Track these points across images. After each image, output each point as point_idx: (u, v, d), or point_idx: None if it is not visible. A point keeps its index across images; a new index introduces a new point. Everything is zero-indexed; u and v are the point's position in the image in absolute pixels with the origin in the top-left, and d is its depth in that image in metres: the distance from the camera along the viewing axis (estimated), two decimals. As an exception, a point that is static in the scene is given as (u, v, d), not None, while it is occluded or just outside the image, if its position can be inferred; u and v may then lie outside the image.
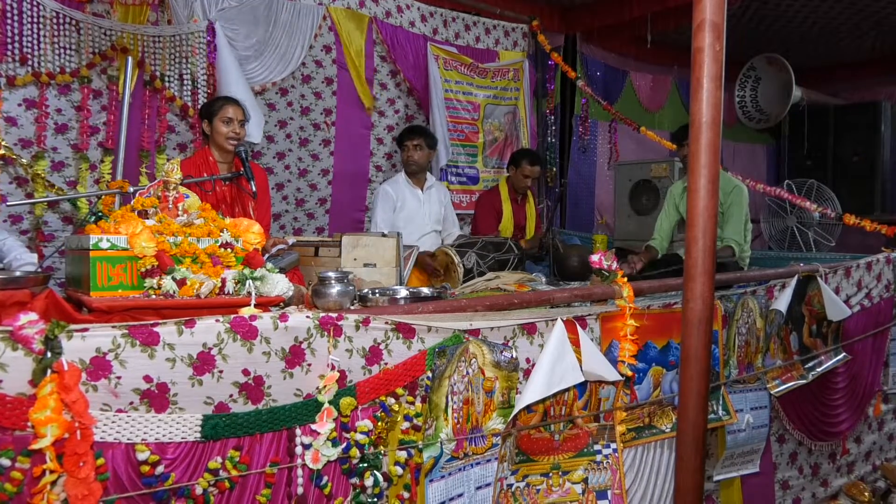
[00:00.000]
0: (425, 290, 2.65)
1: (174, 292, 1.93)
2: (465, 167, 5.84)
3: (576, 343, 2.23)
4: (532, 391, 2.07)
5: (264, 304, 1.99)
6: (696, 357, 1.66)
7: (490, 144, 6.02)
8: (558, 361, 2.14)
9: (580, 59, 6.69)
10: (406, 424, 1.92)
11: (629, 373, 2.39)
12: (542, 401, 2.19)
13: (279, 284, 2.06)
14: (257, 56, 4.67)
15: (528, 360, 2.21)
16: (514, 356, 2.14)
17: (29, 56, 3.83)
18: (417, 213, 4.43)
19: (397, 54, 5.36)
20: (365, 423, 1.84)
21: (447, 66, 5.63)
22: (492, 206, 4.95)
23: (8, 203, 2.91)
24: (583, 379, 2.22)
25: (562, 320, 2.23)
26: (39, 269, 2.82)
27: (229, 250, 2.08)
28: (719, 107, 1.59)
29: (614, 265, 2.53)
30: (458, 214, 4.90)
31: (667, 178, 6.03)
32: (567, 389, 2.25)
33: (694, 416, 1.67)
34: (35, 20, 3.84)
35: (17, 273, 2.27)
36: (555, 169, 6.39)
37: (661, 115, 7.46)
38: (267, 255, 2.86)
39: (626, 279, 2.50)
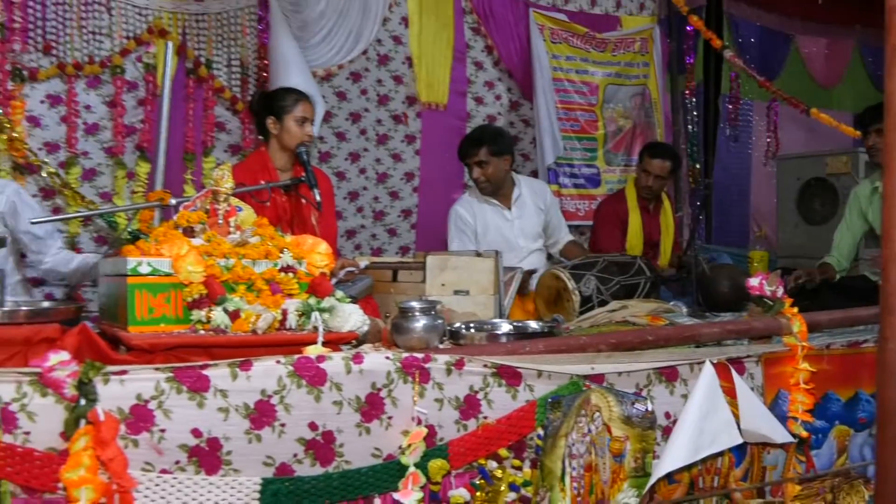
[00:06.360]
0: (533, 325, 2.64)
1: (226, 327, 1.99)
2: (582, 165, 5.81)
3: (730, 393, 2.21)
4: (674, 455, 2.05)
5: (334, 341, 2.03)
6: (898, 414, 1.60)
7: (613, 136, 5.97)
8: (708, 417, 2.13)
9: (728, 23, 6.56)
10: (512, 495, 1.93)
11: (803, 433, 2.35)
12: (689, 468, 2.17)
13: (352, 317, 2.10)
14: (320, 33, 4.79)
15: (667, 415, 2.20)
16: (649, 409, 2.12)
17: (53, 44, 4.08)
18: (508, 234, 4.22)
19: (492, 25, 5.40)
20: (460, 493, 1.86)
21: (555, 38, 5.64)
22: (615, 216, 4.89)
23: (32, 220, 3.10)
24: (741, 440, 2.19)
25: (711, 363, 2.21)
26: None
27: (291, 275, 2.14)
28: (923, 81, 1.55)
29: (780, 291, 2.50)
30: (574, 227, 4.80)
31: (848, 175, 5.82)
32: (720, 454, 2.22)
33: (896, 492, 1.61)
34: (60, 1, 4.09)
35: (45, 304, 2.41)
36: (698, 165, 6.26)
37: (840, 92, 7.22)
38: (335, 281, 2.92)
39: (796, 309, 2.46)
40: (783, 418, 2.33)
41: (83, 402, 1.56)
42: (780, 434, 2.26)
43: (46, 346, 1.96)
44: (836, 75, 7.25)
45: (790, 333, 2.41)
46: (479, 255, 3.14)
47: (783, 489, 2.35)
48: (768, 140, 6.93)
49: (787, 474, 2.36)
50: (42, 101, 4.14)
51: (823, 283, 4.18)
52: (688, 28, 6.13)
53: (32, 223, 3.14)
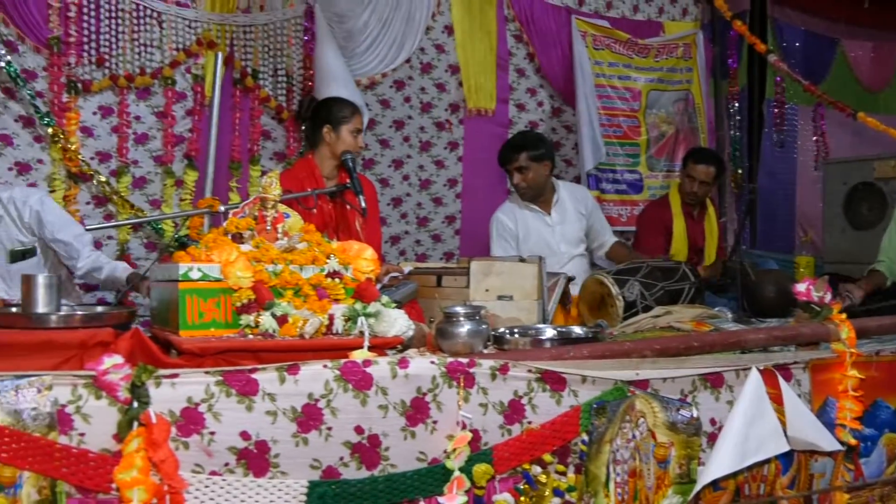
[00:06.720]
0: (577, 330, 2.64)
1: (274, 331, 2.02)
2: (624, 171, 5.77)
3: (777, 400, 2.19)
4: (720, 462, 2.04)
5: (379, 346, 2.05)
6: (951, 421, 1.57)
7: (656, 141, 5.92)
8: (754, 423, 2.11)
9: (772, 27, 6.50)
10: (556, 500, 1.92)
11: (852, 440, 2.32)
12: (734, 475, 2.15)
13: (397, 322, 2.11)
14: (364, 42, 4.84)
15: (713, 422, 2.18)
16: (694, 415, 2.10)
17: (106, 57, 4.17)
18: (549, 240, 4.23)
19: (534, 33, 5.40)
20: (504, 498, 1.86)
21: (597, 44, 5.62)
22: (659, 222, 4.86)
23: (88, 227, 3.17)
24: (788, 447, 2.17)
25: (757, 370, 2.19)
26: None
27: (338, 280, 2.16)
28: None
29: (827, 297, 2.49)
30: (616, 232, 4.75)
31: (897, 179, 5.72)
32: (766, 461, 2.20)
33: (948, 501, 1.57)
34: (113, 15, 4.18)
35: (99, 309, 2.46)
36: (741, 171, 6.19)
37: (888, 95, 7.10)
38: (380, 286, 2.94)
39: (844, 315, 2.44)
40: (831, 426, 2.30)
41: (136, 404, 1.60)
42: (827, 442, 2.23)
43: (101, 349, 2.00)
44: (884, 79, 7.13)
45: (838, 340, 2.38)
46: (522, 260, 3.14)
47: (831, 498, 2.32)
48: (816, 144, 6.84)
49: (835, 483, 2.33)
50: (94, 113, 4.23)
51: (873, 290, 4.11)
52: (731, 33, 6.07)
53: (88, 230, 3.21)
